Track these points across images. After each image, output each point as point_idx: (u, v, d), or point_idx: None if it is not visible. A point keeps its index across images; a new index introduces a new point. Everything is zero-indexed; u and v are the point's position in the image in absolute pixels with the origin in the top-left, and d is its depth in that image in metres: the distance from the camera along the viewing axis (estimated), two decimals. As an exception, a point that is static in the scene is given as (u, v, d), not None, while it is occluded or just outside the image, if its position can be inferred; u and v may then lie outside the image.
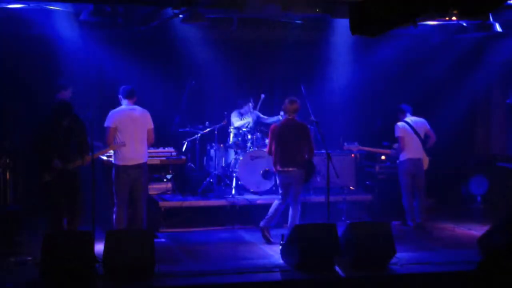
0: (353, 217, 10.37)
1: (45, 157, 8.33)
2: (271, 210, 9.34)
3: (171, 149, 10.66)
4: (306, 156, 9.28)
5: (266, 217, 9.35)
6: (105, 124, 8.74)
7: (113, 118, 8.75)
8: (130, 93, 8.92)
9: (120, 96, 8.96)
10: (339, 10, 9.62)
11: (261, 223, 9.36)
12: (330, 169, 8.85)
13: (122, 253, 7.31)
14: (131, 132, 8.73)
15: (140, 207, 8.85)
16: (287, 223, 9.41)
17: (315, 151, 11.14)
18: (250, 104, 11.52)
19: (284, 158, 9.22)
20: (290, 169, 9.19)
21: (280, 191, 9.37)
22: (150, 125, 8.93)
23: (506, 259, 7.57)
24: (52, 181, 8.30)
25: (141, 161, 8.82)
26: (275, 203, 9.36)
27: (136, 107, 8.94)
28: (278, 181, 9.41)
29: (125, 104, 8.92)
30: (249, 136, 11.12)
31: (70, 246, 7.15)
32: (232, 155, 11.15)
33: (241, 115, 11.56)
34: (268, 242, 9.20)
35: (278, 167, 9.27)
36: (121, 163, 8.73)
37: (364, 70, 12.24)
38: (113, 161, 8.85)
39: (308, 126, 9.59)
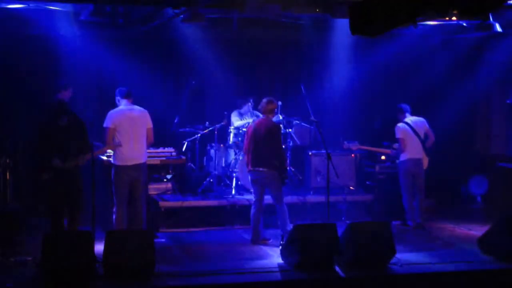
0: (353, 217, 10.37)
1: (43, 156, 8.32)
2: (251, 222, 9.33)
3: (171, 149, 10.65)
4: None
5: (251, 231, 9.35)
6: (104, 125, 8.73)
7: (112, 118, 8.74)
8: (128, 93, 8.92)
9: (117, 98, 8.95)
10: (339, 10, 9.62)
11: (251, 238, 9.34)
12: (330, 169, 8.84)
13: (122, 253, 7.31)
14: (130, 132, 8.72)
15: (139, 207, 8.85)
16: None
17: (314, 151, 11.21)
18: (250, 104, 11.53)
19: (255, 158, 9.21)
20: (261, 169, 9.16)
21: (252, 190, 9.39)
22: (149, 124, 8.92)
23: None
24: (51, 181, 8.30)
25: (140, 161, 8.81)
26: (251, 213, 9.32)
27: (135, 107, 8.93)
28: (249, 179, 9.40)
29: (123, 104, 8.91)
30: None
31: (70, 246, 7.15)
32: (232, 155, 11.15)
33: (241, 115, 11.56)
34: (265, 244, 9.21)
35: (249, 167, 9.26)
36: (120, 163, 8.72)
37: (364, 70, 12.24)
38: (112, 161, 8.85)
39: (281, 127, 9.58)
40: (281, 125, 9.43)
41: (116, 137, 8.67)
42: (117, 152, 8.71)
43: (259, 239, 9.27)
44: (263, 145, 9.18)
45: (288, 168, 9.54)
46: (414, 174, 10.30)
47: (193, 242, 9.48)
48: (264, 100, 9.32)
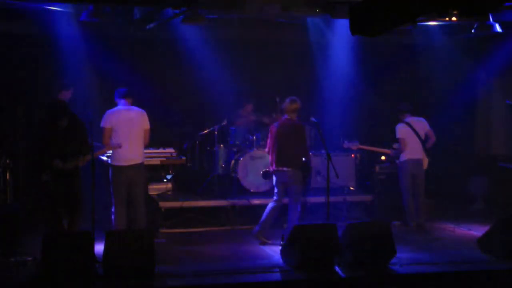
0: (353, 217, 10.37)
1: (44, 157, 8.32)
2: (265, 214, 9.30)
3: (171, 149, 10.64)
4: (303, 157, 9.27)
5: (260, 222, 9.31)
6: (101, 124, 8.73)
7: (108, 118, 8.74)
8: (126, 93, 8.91)
9: (116, 99, 8.95)
10: (339, 10, 9.61)
11: (256, 229, 9.31)
12: (330, 169, 8.84)
13: (122, 253, 7.31)
14: (127, 132, 8.71)
15: (139, 207, 8.84)
16: (286, 223, 9.41)
17: (314, 151, 11.20)
18: (250, 105, 11.52)
19: (280, 157, 9.22)
20: (285, 169, 9.19)
21: (275, 190, 9.37)
22: (147, 125, 8.90)
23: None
24: (51, 181, 8.29)
25: (138, 161, 8.79)
26: (269, 206, 9.33)
27: (132, 107, 8.92)
28: (274, 180, 9.40)
29: (121, 105, 8.91)
30: (249, 137, 11.12)
31: (70, 246, 7.16)
32: (232, 155, 11.14)
33: (242, 116, 11.57)
34: (265, 244, 9.19)
35: (274, 166, 9.27)
36: (117, 163, 8.72)
37: (364, 70, 12.24)
38: (109, 162, 8.85)
39: (306, 126, 9.59)
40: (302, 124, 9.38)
41: (113, 137, 8.66)
42: (114, 152, 8.71)
43: (262, 235, 9.24)
44: (288, 145, 9.20)
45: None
46: (414, 175, 10.30)
47: (193, 242, 9.48)
48: (287, 100, 9.29)
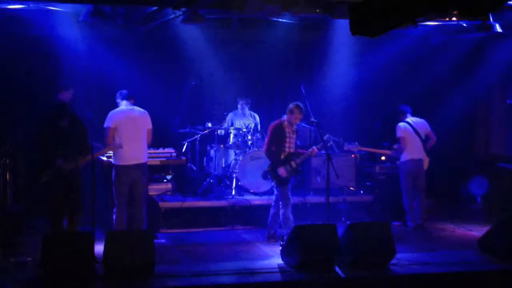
0: (353, 218, 10.37)
1: (45, 157, 8.32)
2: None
3: (171, 150, 10.64)
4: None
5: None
6: (105, 125, 8.75)
7: (112, 118, 8.75)
8: (128, 95, 8.94)
9: (118, 101, 8.97)
10: (339, 10, 9.61)
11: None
12: (330, 169, 8.84)
13: (122, 253, 7.31)
14: (130, 132, 8.73)
15: (140, 208, 8.84)
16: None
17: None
18: (248, 105, 11.53)
19: None
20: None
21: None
22: (149, 125, 8.94)
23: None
24: (51, 181, 8.29)
25: (141, 161, 8.81)
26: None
27: (135, 107, 8.94)
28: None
29: (124, 105, 8.92)
30: (249, 137, 11.12)
31: (70, 247, 7.16)
32: (232, 155, 11.14)
33: (240, 116, 11.56)
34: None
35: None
36: (120, 163, 8.73)
37: (364, 70, 12.24)
38: (112, 162, 8.85)
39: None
40: (278, 124, 9.36)
41: (117, 137, 8.67)
42: (118, 152, 8.71)
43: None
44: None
45: (277, 168, 9.43)
46: (415, 175, 10.30)
47: (193, 243, 9.49)
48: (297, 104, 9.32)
